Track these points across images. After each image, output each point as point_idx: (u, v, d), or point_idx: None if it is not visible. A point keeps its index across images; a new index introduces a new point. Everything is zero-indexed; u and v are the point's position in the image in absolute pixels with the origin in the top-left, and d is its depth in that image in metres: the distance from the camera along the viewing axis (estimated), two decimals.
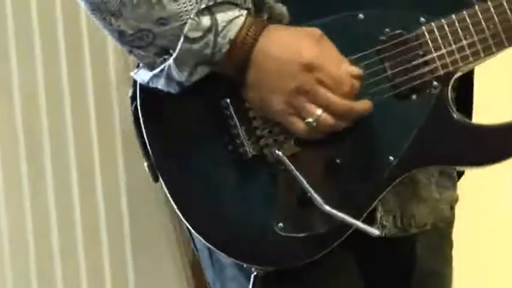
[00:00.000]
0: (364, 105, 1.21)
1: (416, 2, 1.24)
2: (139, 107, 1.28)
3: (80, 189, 2.64)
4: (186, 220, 1.27)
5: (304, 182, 1.21)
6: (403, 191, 1.28)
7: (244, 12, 1.20)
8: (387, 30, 1.23)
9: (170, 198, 1.27)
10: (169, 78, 1.22)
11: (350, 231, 1.22)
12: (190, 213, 1.27)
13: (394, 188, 1.24)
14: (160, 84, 1.23)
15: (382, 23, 1.24)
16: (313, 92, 1.19)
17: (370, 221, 1.25)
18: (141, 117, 1.28)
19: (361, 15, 1.24)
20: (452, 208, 1.37)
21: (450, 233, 1.41)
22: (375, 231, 1.21)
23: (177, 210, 1.27)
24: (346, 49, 1.23)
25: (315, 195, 1.21)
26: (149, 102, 1.27)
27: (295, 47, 1.20)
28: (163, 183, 1.28)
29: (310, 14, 1.25)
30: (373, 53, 1.23)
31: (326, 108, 1.19)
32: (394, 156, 1.23)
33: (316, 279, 1.27)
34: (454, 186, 1.37)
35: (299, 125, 1.20)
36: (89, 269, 2.61)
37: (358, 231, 1.21)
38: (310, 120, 1.19)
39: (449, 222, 1.39)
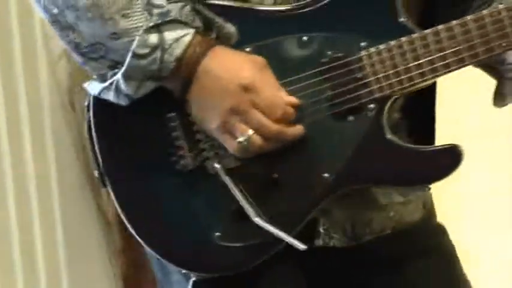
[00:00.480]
0: (294, 130, 1.27)
1: (359, 28, 1.29)
2: (91, 117, 1.33)
3: (15, 197, 2.64)
4: (131, 227, 1.33)
5: (239, 195, 1.28)
6: (354, 202, 1.34)
7: (192, 31, 1.26)
8: (329, 53, 1.29)
9: (117, 206, 1.33)
10: (118, 91, 1.28)
11: (282, 244, 1.28)
12: (135, 220, 1.33)
13: (329, 203, 1.31)
14: (110, 96, 1.29)
15: (325, 45, 1.29)
16: (246, 113, 1.26)
17: (312, 234, 1.33)
18: (93, 127, 1.34)
19: (305, 38, 1.30)
20: (425, 207, 1.44)
21: (429, 230, 1.47)
22: (300, 245, 1.27)
23: (123, 217, 1.33)
24: (289, 69, 1.29)
25: (248, 208, 1.27)
26: (101, 113, 1.33)
27: (236, 69, 1.26)
28: (111, 192, 1.34)
29: (258, 34, 1.30)
30: (315, 73, 1.29)
31: (257, 130, 1.25)
32: (329, 173, 1.29)
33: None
34: (425, 195, 1.44)
35: (232, 143, 1.26)
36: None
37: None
38: (241, 139, 1.25)
39: (425, 221, 1.45)
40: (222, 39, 1.29)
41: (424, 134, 1.40)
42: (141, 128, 1.33)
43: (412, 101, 1.39)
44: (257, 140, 1.26)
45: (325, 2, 1.30)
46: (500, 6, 1.27)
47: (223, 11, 1.31)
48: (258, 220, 1.28)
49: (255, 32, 1.31)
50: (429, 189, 1.43)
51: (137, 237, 1.32)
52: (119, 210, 1.32)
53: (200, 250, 1.32)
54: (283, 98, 1.27)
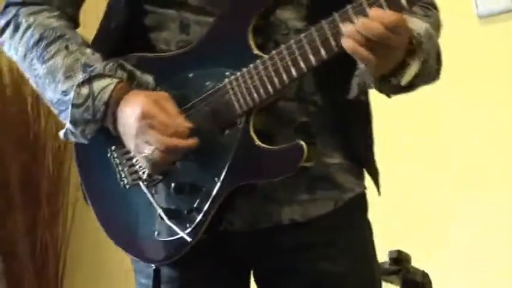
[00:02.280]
0: (188, 142, 1.61)
1: (226, 62, 1.66)
2: (73, 149, 1.78)
3: None
4: (105, 231, 1.74)
5: (154, 203, 1.68)
6: (256, 198, 1.66)
7: (115, 80, 1.63)
8: (208, 83, 1.65)
9: (95, 216, 1.76)
10: (73, 134, 1.69)
11: (197, 237, 1.65)
12: (106, 227, 1.75)
13: (227, 199, 1.64)
14: (72, 139, 1.70)
15: (204, 78, 1.66)
16: (147, 135, 1.61)
17: (218, 223, 1.68)
18: (74, 155, 1.78)
19: (191, 75, 1.67)
20: (336, 204, 1.69)
21: (347, 225, 1.71)
22: (188, 238, 1.64)
23: (100, 224, 1.76)
24: (186, 98, 1.66)
25: (160, 212, 1.67)
26: (78, 147, 1.78)
27: (138, 105, 1.63)
28: (91, 206, 1.77)
29: (166, 75, 1.69)
30: (200, 100, 1.66)
31: (157, 145, 1.60)
32: (218, 178, 1.64)
33: (189, 281, 1.71)
34: (338, 187, 1.69)
35: (143, 160, 1.62)
36: None
37: (218, 243, 1.67)
38: (147, 154, 1.61)
39: (330, 216, 1.68)
40: (142, 86, 1.68)
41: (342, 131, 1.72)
42: (99, 159, 1.74)
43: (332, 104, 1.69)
44: (158, 153, 1.60)
45: (200, 43, 1.67)
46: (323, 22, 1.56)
47: (143, 63, 1.71)
48: (166, 221, 1.67)
49: (164, 75, 1.70)
50: (352, 190, 1.70)
51: (109, 238, 1.74)
52: (96, 219, 1.75)
53: (149, 245, 1.71)
54: (175, 119, 1.60)
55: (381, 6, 1.57)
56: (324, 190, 1.71)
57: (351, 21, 1.57)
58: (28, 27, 1.74)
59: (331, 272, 1.72)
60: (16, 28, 1.76)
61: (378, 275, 1.81)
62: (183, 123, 1.64)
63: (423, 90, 2.29)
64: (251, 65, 1.63)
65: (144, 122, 1.62)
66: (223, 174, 1.66)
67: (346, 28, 1.56)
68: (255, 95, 1.64)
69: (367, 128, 1.80)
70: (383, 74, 1.62)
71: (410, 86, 1.68)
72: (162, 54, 1.73)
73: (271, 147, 1.64)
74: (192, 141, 1.62)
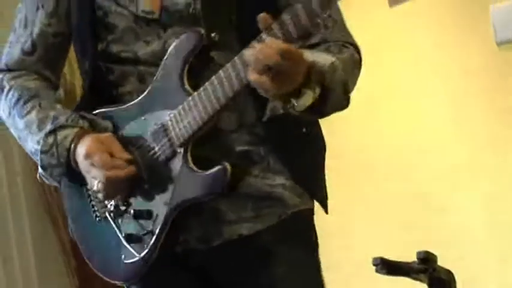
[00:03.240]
0: (125, 171, 1.93)
1: (168, 104, 1.96)
2: (61, 190, 2.12)
3: None
4: (83, 253, 2.09)
5: (117, 230, 2.00)
6: (207, 218, 1.97)
7: (76, 129, 1.98)
8: (156, 123, 1.97)
9: (79, 247, 2.10)
10: (45, 177, 2.04)
11: (152, 258, 1.96)
12: (84, 250, 2.08)
13: (180, 220, 1.94)
14: (46, 180, 2.06)
15: (153, 120, 1.97)
16: (90, 172, 1.95)
17: (175, 244, 1.98)
18: (63, 198, 2.14)
19: (143, 118, 1.99)
20: (280, 217, 1.96)
21: (288, 238, 2.00)
22: (143, 258, 1.95)
23: (82, 254, 2.09)
24: (139, 140, 1.99)
25: (121, 238, 1.98)
26: (64, 187, 2.10)
27: (84, 147, 1.97)
28: (75, 237, 2.11)
29: (125, 123, 2.03)
30: (149, 138, 1.98)
31: (100, 179, 1.93)
32: (166, 202, 1.94)
33: None
34: (282, 204, 1.97)
35: (95, 193, 1.97)
36: None
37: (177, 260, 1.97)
38: (94, 188, 1.95)
39: (277, 227, 1.98)
40: (102, 131, 2.02)
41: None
42: (76, 194, 2.07)
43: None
44: (102, 185, 1.93)
45: (149, 91, 1.98)
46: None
47: (108, 114, 2.04)
48: (125, 244, 1.99)
49: (123, 121, 2.03)
50: (296, 206, 1.99)
51: (86, 260, 2.08)
52: (80, 249, 2.09)
53: (119, 268, 2.02)
54: (119, 154, 1.94)
55: (277, 37, 1.79)
56: (269, 207, 1.98)
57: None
58: (10, 89, 2.09)
59: (275, 276, 1.97)
60: (1, 90, 2.11)
61: (316, 282, 2.03)
62: (121, 157, 1.95)
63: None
64: (184, 103, 1.92)
65: (87, 161, 1.95)
66: (169, 198, 1.95)
67: (248, 57, 1.80)
68: (188, 128, 1.92)
69: (313, 156, 2.06)
70: (283, 99, 1.83)
71: (321, 112, 1.91)
72: (123, 105, 2.04)
73: (203, 171, 1.91)
74: (128, 170, 1.95)
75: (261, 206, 1.99)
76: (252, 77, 1.79)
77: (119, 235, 2.03)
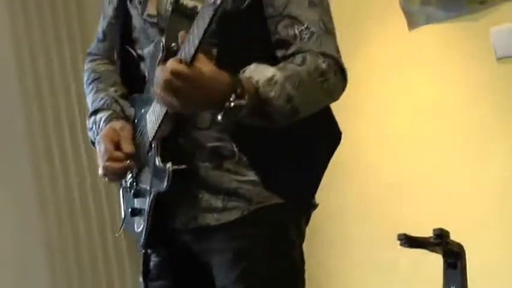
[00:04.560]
0: (122, 164, 2.10)
1: (150, 102, 2.10)
2: None
3: None
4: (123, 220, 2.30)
5: (123, 206, 2.26)
6: (187, 206, 2.07)
7: (110, 111, 2.20)
8: (146, 118, 2.12)
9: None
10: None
11: (148, 231, 2.11)
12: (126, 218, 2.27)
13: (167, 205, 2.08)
14: None
15: (146, 114, 2.13)
16: (98, 155, 2.13)
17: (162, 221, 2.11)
18: None
19: (143, 110, 2.13)
20: (243, 213, 2.02)
21: (250, 236, 2.03)
22: (144, 227, 2.13)
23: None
24: (139, 128, 2.15)
25: (127, 212, 2.20)
26: None
27: (101, 132, 2.17)
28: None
29: (137, 111, 2.19)
30: (143, 130, 2.13)
31: (100, 167, 2.12)
32: (149, 187, 2.08)
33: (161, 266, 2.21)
34: (246, 200, 2.02)
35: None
36: None
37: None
38: (99, 172, 2.15)
39: (240, 221, 2.03)
40: (128, 116, 2.20)
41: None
42: None
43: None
44: (101, 171, 2.12)
45: (146, 87, 2.13)
46: None
47: (132, 100, 2.22)
48: (129, 216, 2.18)
49: (136, 109, 2.19)
50: (261, 203, 2.04)
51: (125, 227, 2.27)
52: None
53: (136, 235, 2.17)
54: (120, 146, 2.12)
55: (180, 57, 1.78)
56: (235, 202, 2.02)
57: None
58: (86, 70, 2.36)
59: (240, 266, 2.01)
60: (85, 71, 2.36)
61: (278, 272, 2.02)
62: (124, 149, 2.11)
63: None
64: (153, 103, 2.03)
65: (98, 147, 2.14)
66: (150, 181, 2.06)
67: (154, 78, 1.82)
68: (153, 126, 2.04)
69: (285, 155, 2.02)
70: (212, 111, 1.84)
71: (269, 121, 1.88)
72: (140, 95, 2.16)
73: (161, 165, 2.02)
74: (123, 164, 2.10)
75: (229, 200, 2.02)
76: (158, 95, 1.82)
77: (128, 207, 2.19)
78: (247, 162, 2.03)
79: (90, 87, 2.30)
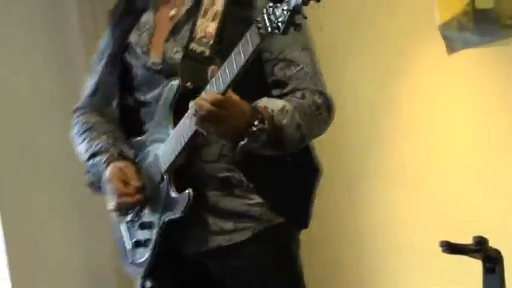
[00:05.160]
0: (133, 199, 2.28)
1: (160, 140, 2.31)
2: None
3: None
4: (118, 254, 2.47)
5: (127, 238, 2.38)
6: (197, 230, 2.26)
7: (108, 154, 2.35)
8: (153, 154, 2.35)
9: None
10: (93, 191, 2.43)
11: (153, 260, 2.30)
12: (118, 252, 2.47)
13: (175, 231, 2.27)
14: (97, 194, 2.44)
15: (153, 151, 2.33)
16: (108, 195, 2.30)
17: (170, 248, 2.29)
18: None
19: (147, 149, 2.34)
20: (254, 231, 2.23)
21: (263, 253, 2.25)
22: (148, 259, 2.32)
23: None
24: (144, 165, 2.34)
25: (131, 243, 2.38)
26: None
27: (107, 173, 2.33)
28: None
29: (138, 152, 2.38)
30: (151, 165, 2.32)
31: (113, 203, 2.29)
32: (159, 215, 2.27)
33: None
34: (256, 220, 2.22)
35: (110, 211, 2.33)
36: None
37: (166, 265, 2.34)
38: (108, 208, 2.31)
39: (251, 240, 2.23)
40: (127, 157, 2.35)
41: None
42: None
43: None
44: (113, 207, 2.29)
45: (151, 127, 2.30)
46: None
47: (132, 143, 2.37)
48: (133, 248, 2.35)
49: (137, 150, 2.36)
50: (269, 221, 2.25)
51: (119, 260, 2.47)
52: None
53: (133, 266, 2.36)
54: (129, 182, 2.29)
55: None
56: (245, 223, 2.21)
57: None
58: (75, 124, 2.49)
59: (250, 280, 2.22)
60: (74, 125, 2.51)
61: (287, 284, 2.24)
62: (133, 184, 2.28)
63: None
64: (167, 138, 2.21)
65: (107, 186, 2.30)
66: (161, 214, 2.24)
67: (190, 108, 2.03)
68: (169, 159, 2.21)
69: (285, 182, 2.23)
70: (235, 140, 2.03)
71: (281, 149, 2.10)
72: (140, 137, 2.34)
73: (175, 193, 2.21)
74: (135, 198, 2.29)
75: (239, 221, 2.22)
76: (196, 124, 2.04)
77: (130, 241, 2.35)
78: (254, 189, 2.23)
79: (83, 136, 2.46)
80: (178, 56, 2.23)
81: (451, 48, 3.55)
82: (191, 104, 2.01)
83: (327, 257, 4.17)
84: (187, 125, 2.13)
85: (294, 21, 1.91)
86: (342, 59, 3.96)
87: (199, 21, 2.23)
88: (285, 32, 1.89)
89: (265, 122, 2.03)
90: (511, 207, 3.42)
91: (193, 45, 2.21)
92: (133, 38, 2.35)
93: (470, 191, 3.56)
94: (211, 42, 2.18)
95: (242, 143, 2.02)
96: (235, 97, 2.00)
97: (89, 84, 2.51)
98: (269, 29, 1.91)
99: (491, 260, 2.51)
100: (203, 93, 2.00)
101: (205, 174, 2.23)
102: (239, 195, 2.24)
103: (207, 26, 2.22)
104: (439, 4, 3.54)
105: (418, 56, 3.71)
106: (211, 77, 2.02)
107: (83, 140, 2.44)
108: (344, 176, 4.06)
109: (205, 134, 2.03)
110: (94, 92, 2.50)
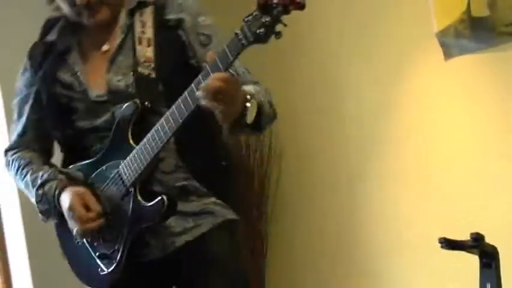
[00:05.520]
0: (95, 224, 2.42)
1: (119, 157, 2.44)
2: (54, 226, 2.64)
3: None
4: (73, 271, 2.60)
5: (91, 251, 2.50)
6: (161, 233, 2.45)
7: (57, 181, 2.49)
8: (113, 171, 2.46)
9: (67, 261, 2.59)
10: (44, 218, 2.56)
11: (120, 270, 2.44)
12: (74, 268, 2.60)
13: (138, 240, 2.44)
14: (45, 220, 2.60)
15: (111, 170, 2.47)
16: (71, 221, 2.43)
17: (140, 258, 2.46)
18: (55, 231, 2.66)
19: (104, 167, 2.48)
20: (213, 224, 2.49)
21: (219, 240, 2.50)
22: (114, 270, 2.45)
23: (70, 267, 2.59)
24: (101, 184, 2.48)
25: (95, 256, 2.50)
26: (57, 225, 2.63)
27: (66, 200, 2.45)
28: (65, 256, 2.61)
29: (92, 172, 2.50)
30: (110, 182, 2.47)
31: (77, 229, 2.42)
32: (125, 227, 2.42)
33: None
34: (213, 215, 2.48)
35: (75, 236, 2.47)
36: None
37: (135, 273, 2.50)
38: (74, 233, 2.45)
39: (211, 231, 2.48)
40: (77, 180, 2.49)
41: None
42: (63, 227, 2.55)
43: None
44: (77, 232, 2.43)
45: (107, 149, 2.44)
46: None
47: (80, 167, 2.52)
48: (98, 261, 2.47)
49: (90, 171, 2.50)
50: (225, 213, 2.49)
51: (76, 276, 2.60)
52: (68, 263, 2.64)
53: (98, 278, 2.49)
54: (90, 208, 2.43)
55: (218, 67, 2.16)
56: (204, 219, 2.47)
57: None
58: (12, 161, 2.63)
59: (211, 264, 2.46)
60: (8, 163, 2.66)
61: (239, 272, 2.53)
62: (95, 209, 2.42)
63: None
64: (131, 154, 2.39)
65: (69, 213, 2.43)
66: (128, 224, 2.41)
67: (200, 93, 2.16)
68: (135, 172, 2.38)
69: (231, 181, 2.55)
70: (234, 118, 2.19)
71: (259, 127, 2.29)
72: (88, 160, 2.49)
73: (147, 203, 2.39)
74: (98, 222, 2.43)
75: (199, 218, 2.47)
76: (208, 103, 2.15)
77: (94, 255, 2.49)
78: (208, 193, 2.49)
79: (25, 171, 2.62)
80: (122, 83, 2.44)
81: (448, 54, 3.59)
82: (200, 85, 2.17)
83: (329, 255, 4.26)
84: (156, 138, 2.33)
85: (275, 30, 2.08)
86: (346, 62, 4.01)
87: (138, 48, 2.45)
88: (266, 40, 2.08)
89: (254, 98, 2.24)
90: (506, 206, 3.47)
91: (140, 69, 2.42)
92: (64, 77, 2.53)
93: (467, 190, 3.60)
94: (153, 65, 2.41)
95: (251, 115, 2.23)
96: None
97: (16, 126, 2.66)
98: (251, 39, 2.10)
99: (487, 255, 2.57)
100: (213, 75, 2.17)
101: (165, 184, 2.44)
102: (195, 200, 2.49)
103: (146, 52, 2.45)
104: (436, 12, 3.58)
105: (417, 61, 3.76)
106: (211, 59, 2.19)
107: (26, 174, 2.60)
108: (347, 177, 4.14)
109: (217, 112, 2.18)
110: (24, 132, 2.64)
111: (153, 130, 2.32)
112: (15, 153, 2.66)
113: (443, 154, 3.72)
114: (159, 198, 2.35)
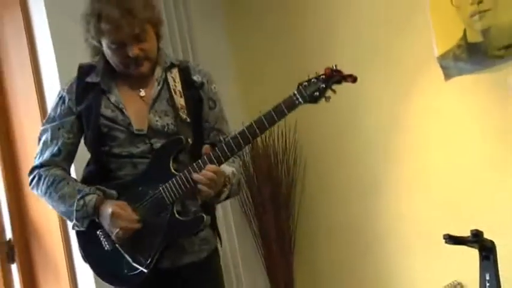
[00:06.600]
0: (134, 226, 2.71)
1: (160, 179, 2.73)
2: (76, 236, 2.91)
3: None
4: (97, 275, 2.85)
5: (125, 254, 2.75)
6: (174, 250, 2.80)
7: (96, 195, 2.76)
8: (150, 192, 2.76)
9: (90, 267, 2.84)
10: (77, 226, 2.79)
11: (146, 272, 2.73)
12: (99, 273, 2.84)
13: (162, 251, 2.75)
14: (76, 228, 2.82)
15: (148, 190, 2.76)
16: (115, 223, 2.68)
17: (160, 263, 2.77)
18: (77, 241, 2.91)
19: (140, 189, 2.77)
20: (208, 251, 2.89)
21: (213, 262, 2.92)
22: (145, 270, 2.71)
23: (94, 272, 2.85)
24: (136, 201, 2.74)
25: (128, 258, 2.76)
26: (78, 234, 2.87)
27: (109, 209, 2.70)
28: (87, 262, 2.87)
29: (125, 192, 2.78)
30: (146, 200, 2.75)
31: (120, 229, 2.68)
32: (159, 238, 2.70)
33: None
34: (209, 243, 2.89)
35: (113, 236, 2.72)
36: None
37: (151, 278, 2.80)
38: (114, 234, 2.71)
39: (209, 257, 2.87)
40: (110, 196, 2.76)
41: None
42: (89, 237, 2.81)
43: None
44: (121, 232, 2.68)
45: (144, 172, 2.75)
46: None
47: (113, 186, 2.79)
48: (132, 262, 2.71)
49: (124, 190, 2.77)
50: (215, 242, 2.96)
51: (101, 279, 2.85)
52: (92, 268, 2.88)
53: (126, 278, 2.74)
54: (129, 216, 2.70)
55: (211, 160, 2.61)
56: (204, 245, 2.88)
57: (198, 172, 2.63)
58: (46, 176, 2.84)
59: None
60: (39, 178, 2.86)
61: (222, 285, 2.94)
62: (134, 217, 2.70)
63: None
64: (173, 178, 2.70)
65: (112, 219, 2.69)
66: (161, 236, 2.71)
67: (196, 177, 2.64)
68: (176, 193, 2.70)
69: (214, 217, 2.94)
70: (211, 197, 2.67)
71: (226, 199, 2.78)
72: (121, 181, 2.76)
73: (184, 218, 2.73)
74: (138, 225, 2.72)
75: (202, 243, 2.87)
76: (202, 188, 2.62)
77: (126, 258, 2.75)
78: (208, 225, 2.92)
79: (61, 184, 2.86)
80: (159, 124, 2.81)
81: (448, 75, 3.78)
82: (197, 175, 2.65)
83: (336, 258, 4.42)
84: (196, 170, 2.72)
85: (326, 95, 2.53)
86: (363, 87, 4.12)
87: (175, 97, 2.83)
88: (316, 102, 2.52)
89: (230, 182, 2.74)
90: (502, 205, 3.66)
91: (180, 114, 2.79)
92: (107, 112, 2.86)
93: (468, 194, 3.78)
94: (187, 112, 2.80)
95: (223, 196, 2.74)
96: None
97: (50, 147, 2.91)
98: (307, 98, 2.54)
99: (486, 249, 2.78)
100: (209, 167, 2.64)
101: (188, 208, 2.83)
102: (203, 229, 2.92)
103: (180, 101, 2.83)
104: (437, 39, 3.75)
105: (420, 81, 3.93)
106: (204, 154, 2.65)
107: (63, 187, 2.84)
108: (359, 187, 4.30)
109: (205, 194, 2.68)
110: (59, 153, 2.91)
111: (190, 167, 2.74)
112: (47, 169, 2.89)
113: (444, 162, 3.85)
114: (200, 215, 2.74)
